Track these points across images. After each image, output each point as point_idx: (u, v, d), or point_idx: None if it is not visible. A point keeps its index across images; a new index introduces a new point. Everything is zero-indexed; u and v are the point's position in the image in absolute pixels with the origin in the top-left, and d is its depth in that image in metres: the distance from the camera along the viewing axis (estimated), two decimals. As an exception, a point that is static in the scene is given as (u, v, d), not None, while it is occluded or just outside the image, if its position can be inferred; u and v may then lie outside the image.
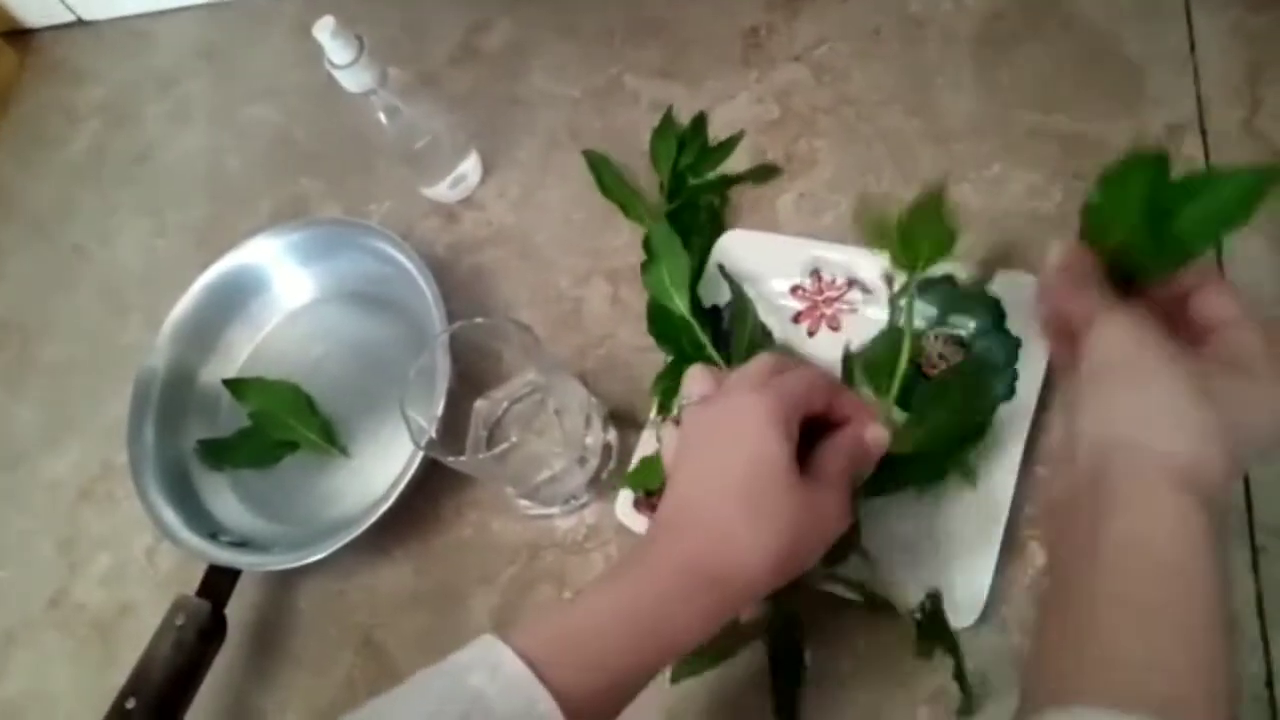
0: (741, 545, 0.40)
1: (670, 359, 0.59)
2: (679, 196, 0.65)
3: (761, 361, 0.45)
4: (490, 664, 0.38)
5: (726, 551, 0.40)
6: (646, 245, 0.61)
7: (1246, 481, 0.49)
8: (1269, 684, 0.46)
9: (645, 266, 0.60)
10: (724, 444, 0.42)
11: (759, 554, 0.40)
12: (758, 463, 0.41)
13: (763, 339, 0.58)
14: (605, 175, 0.68)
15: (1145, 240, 0.40)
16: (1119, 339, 0.37)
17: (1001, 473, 0.51)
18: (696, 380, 0.46)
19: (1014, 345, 0.53)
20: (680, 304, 0.58)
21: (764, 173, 0.65)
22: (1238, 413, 0.35)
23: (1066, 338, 0.40)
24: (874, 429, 0.44)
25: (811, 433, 0.44)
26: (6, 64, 0.94)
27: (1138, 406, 0.35)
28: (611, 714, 0.40)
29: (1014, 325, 0.53)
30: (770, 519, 0.40)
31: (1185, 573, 0.33)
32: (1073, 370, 0.39)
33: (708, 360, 0.57)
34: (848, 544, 0.48)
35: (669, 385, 0.58)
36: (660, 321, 0.60)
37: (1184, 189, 0.40)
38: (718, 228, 0.64)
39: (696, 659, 0.49)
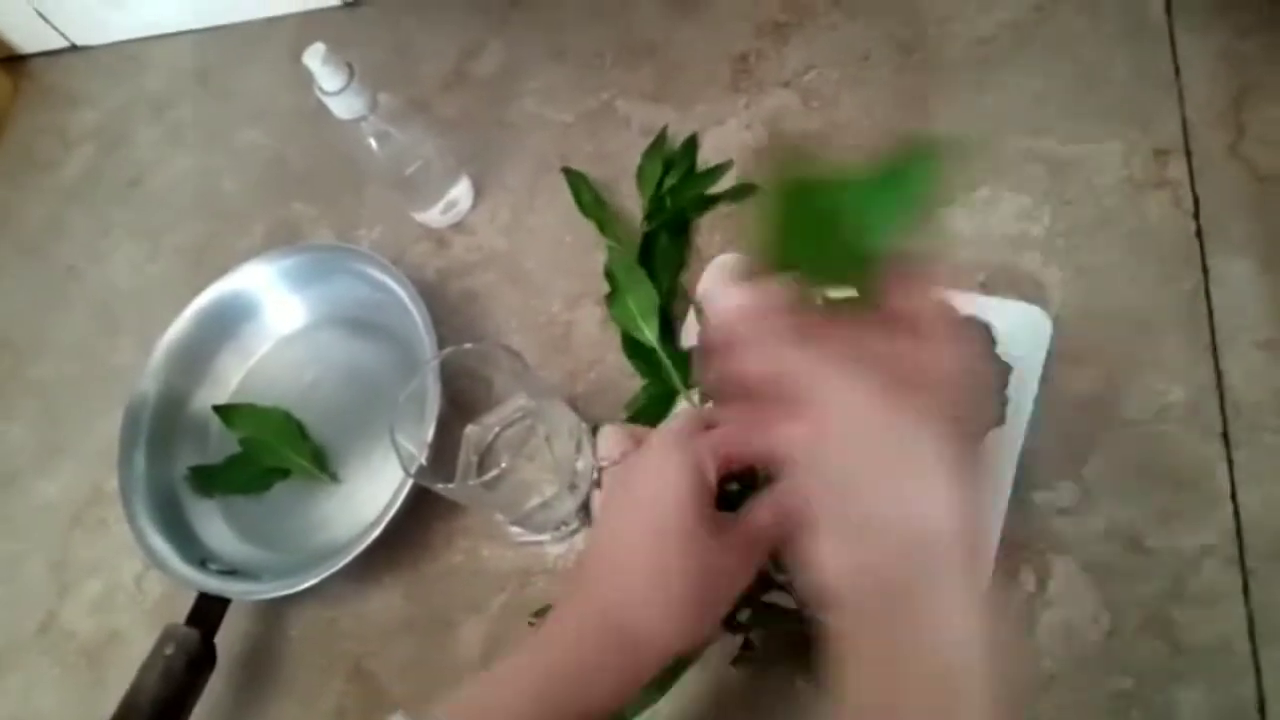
0: (645, 600, 0.41)
1: (645, 383, 0.60)
2: (658, 218, 0.65)
3: (681, 418, 0.45)
4: None
5: (632, 606, 0.41)
6: (608, 276, 0.61)
7: (1236, 506, 0.49)
8: (1260, 709, 0.46)
9: (610, 298, 0.60)
10: (634, 501, 0.43)
11: (661, 608, 0.41)
12: (664, 519, 0.41)
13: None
14: (583, 194, 0.68)
15: (825, 256, 0.34)
16: (850, 411, 0.33)
17: (993, 498, 0.50)
18: (611, 441, 0.47)
19: (1005, 371, 0.53)
20: (649, 334, 0.58)
21: (742, 191, 0.66)
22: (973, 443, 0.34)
23: (740, 390, 0.36)
24: None
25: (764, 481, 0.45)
26: (0, 89, 0.94)
27: (904, 493, 0.33)
28: None
29: (1004, 351, 0.53)
30: (670, 574, 0.41)
31: (986, 676, 0.32)
32: (757, 432, 0.36)
33: (672, 387, 0.57)
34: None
35: (638, 411, 0.59)
36: (631, 345, 0.61)
37: (854, 188, 0.34)
38: (685, 250, 0.64)
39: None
